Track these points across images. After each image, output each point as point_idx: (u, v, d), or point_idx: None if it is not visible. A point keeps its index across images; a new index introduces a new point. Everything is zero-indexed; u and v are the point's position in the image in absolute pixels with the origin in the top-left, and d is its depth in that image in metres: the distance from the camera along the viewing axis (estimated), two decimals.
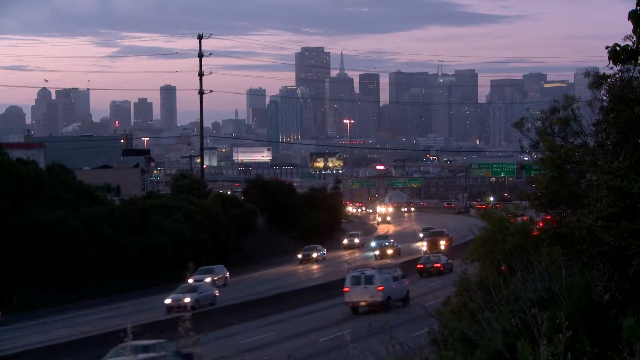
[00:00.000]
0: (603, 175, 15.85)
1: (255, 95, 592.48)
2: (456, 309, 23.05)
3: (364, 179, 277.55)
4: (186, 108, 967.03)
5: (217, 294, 59.37)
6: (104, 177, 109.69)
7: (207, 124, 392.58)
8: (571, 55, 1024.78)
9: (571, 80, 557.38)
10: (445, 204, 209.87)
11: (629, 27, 13.21)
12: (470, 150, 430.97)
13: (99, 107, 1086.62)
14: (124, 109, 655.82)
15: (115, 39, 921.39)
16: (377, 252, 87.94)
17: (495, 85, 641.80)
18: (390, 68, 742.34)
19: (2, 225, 68.38)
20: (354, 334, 30.20)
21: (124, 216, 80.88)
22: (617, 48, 13.69)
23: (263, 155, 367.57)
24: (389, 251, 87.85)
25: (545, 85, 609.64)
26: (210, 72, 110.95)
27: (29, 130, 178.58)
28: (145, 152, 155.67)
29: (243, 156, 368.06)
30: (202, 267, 70.01)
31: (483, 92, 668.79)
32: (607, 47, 13.71)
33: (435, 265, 69.03)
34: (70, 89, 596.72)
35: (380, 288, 50.72)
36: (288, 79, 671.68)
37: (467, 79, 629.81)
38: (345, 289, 51.51)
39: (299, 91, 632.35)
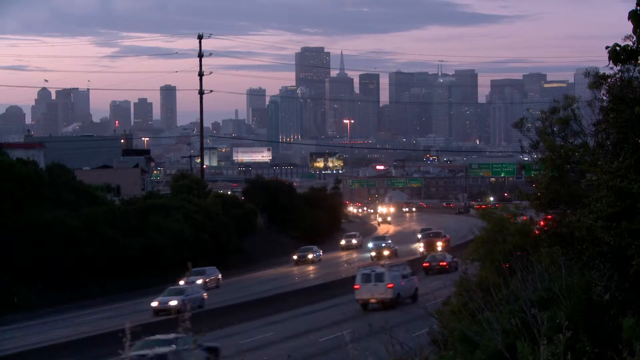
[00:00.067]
0: (603, 175, 15.86)
1: (255, 95, 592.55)
2: (456, 309, 23.04)
3: (364, 179, 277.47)
4: (186, 108, 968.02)
5: (206, 297, 58.11)
6: (104, 177, 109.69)
7: (207, 124, 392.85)
8: (571, 55, 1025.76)
9: (571, 80, 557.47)
10: (444, 204, 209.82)
11: (629, 27, 13.22)
12: (470, 150, 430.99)
13: (99, 107, 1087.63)
14: (124, 109, 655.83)
15: (115, 39, 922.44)
16: (373, 254, 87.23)
17: (495, 85, 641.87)
18: (390, 68, 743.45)
19: (2, 225, 68.38)
20: (354, 334, 30.16)
21: (124, 216, 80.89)
22: (617, 48, 13.69)
23: (263, 155, 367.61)
24: (386, 252, 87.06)
25: (545, 85, 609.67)
26: (210, 72, 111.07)
27: (29, 130, 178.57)
28: (145, 152, 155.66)
29: (243, 156, 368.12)
30: (193, 269, 68.88)
31: (483, 92, 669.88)
32: (607, 47, 13.71)
33: (441, 263, 70.16)
34: (70, 89, 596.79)
35: (390, 285, 52.16)
36: (288, 79, 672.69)
37: (467, 79, 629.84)
38: (356, 287, 52.74)
39: (299, 91, 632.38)
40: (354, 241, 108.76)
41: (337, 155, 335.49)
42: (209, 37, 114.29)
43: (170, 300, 55.33)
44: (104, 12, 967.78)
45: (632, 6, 12.88)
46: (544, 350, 12.29)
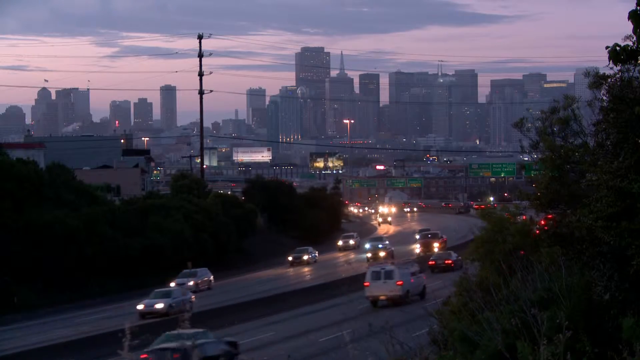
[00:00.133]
0: (603, 175, 15.86)
1: (255, 95, 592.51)
2: (456, 309, 23.05)
3: (364, 179, 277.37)
4: (186, 108, 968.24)
5: (194, 299, 57.24)
6: (104, 177, 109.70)
7: (207, 124, 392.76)
8: (571, 55, 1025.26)
9: (571, 80, 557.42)
10: (443, 204, 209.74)
11: (629, 27, 13.22)
12: (470, 150, 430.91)
13: (99, 107, 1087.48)
14: (124, 109, 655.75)
15: (115, 39, 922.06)
16: (369, 255, 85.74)
17: (495, 85, 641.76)
18: (390, 68, 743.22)
19: (2, 225, 68.39)
20: (354, 334, 30.14)
21: (124, 216, 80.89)
22: (617, 48, 13.70)
23: (263, 155, 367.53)
24: (382, 254, 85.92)
25: (545, 85, 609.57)
26: (210, 72, 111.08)
27: (29, 130, 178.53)
28: (145, 152, 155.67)
29: (243, 156, 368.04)
30: (185, 270, 66.60)
31: (483, 92, 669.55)
32: (607, 47, 13.72)
33: (446, 261, 70.84)
34: (70, 89, 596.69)
35: (400, 283, 53.62)
36: (288, 79, 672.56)
37: (467, 79, 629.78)
38: (366, 284, 54.06)
39: (299, 91, 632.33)
40: (352, 242, 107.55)
41: (337, 155, 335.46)
42: (209, 37, 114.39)
43: (156, 303, 54.90)
44: (104, 12, 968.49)
45: (632, 6, 12.89)
46: (544, 350, 12.29)
